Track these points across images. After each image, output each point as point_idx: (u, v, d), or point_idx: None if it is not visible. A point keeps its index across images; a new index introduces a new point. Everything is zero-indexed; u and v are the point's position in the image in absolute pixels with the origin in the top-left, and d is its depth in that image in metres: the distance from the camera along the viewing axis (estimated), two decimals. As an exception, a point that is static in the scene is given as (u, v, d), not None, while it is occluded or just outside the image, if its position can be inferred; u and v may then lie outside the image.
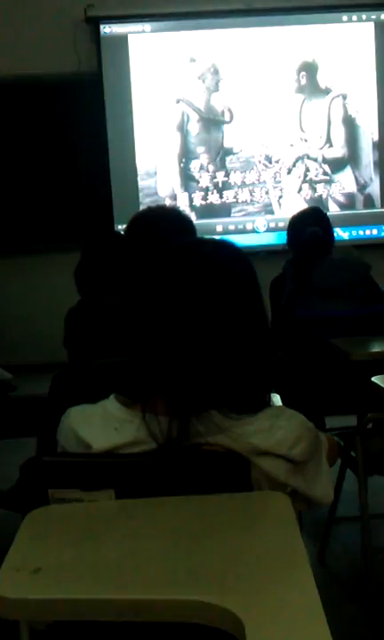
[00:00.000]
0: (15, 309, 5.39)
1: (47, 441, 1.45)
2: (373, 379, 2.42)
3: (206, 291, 1.28)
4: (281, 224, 5.43)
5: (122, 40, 5.42)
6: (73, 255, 2.47)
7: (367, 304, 3.05)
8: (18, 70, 5.23)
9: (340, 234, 5.58)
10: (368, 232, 5.82)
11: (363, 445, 2.63)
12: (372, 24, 5.78)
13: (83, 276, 2.32)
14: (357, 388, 2.68)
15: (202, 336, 1.25)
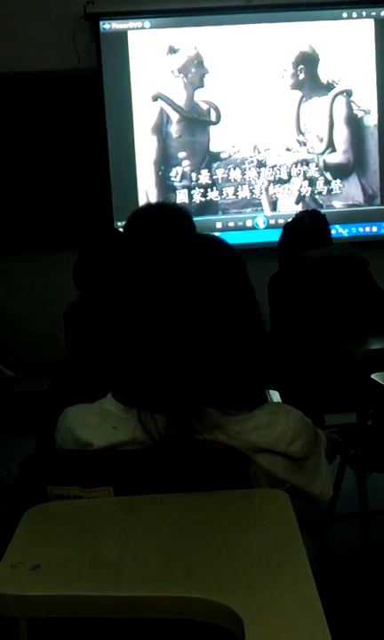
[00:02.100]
0: (15, 306, 5.38)
1: (46, 437, 1.45)
2: (373, 376, 2.42)
3: (198, 288, 1.28)
4: (281, 221, 5.40)
5: (121, 36, 5.40)
6: (72, 252, 2.47)
7: (365, 300, 3.05)
8: (17, 67, 5.21)
9: (340, 231, 5.57)
10: (368, 229, 5.80)
11: (362, 442, 2.63)
12: (372, 21, 5.59)
13: (81, 272, 2.32)
14: (357, 385, 2.68)
15: (195, 333, 1.25)
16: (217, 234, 5.47)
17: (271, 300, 3.19)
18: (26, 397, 2.99)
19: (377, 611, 2.41)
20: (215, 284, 1.29)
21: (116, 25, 5.38)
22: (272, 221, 5.61)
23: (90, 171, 5.37)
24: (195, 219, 2.27)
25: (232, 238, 5.49)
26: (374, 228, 5.75)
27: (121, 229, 2.44)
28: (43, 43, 5.25)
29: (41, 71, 5.26)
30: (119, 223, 5.18)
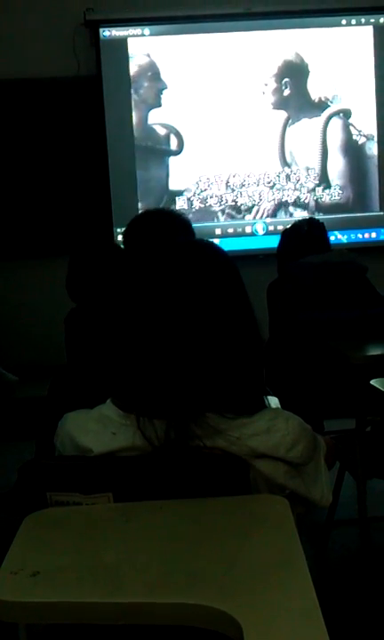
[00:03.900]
0: (16, 313, 5.39)
1: (46, 443, 1.45)
2: (372, 382, 2.42)
3: (193, 293, 1.28)
4: (280, 227, 5.38)
5: (121, 43, 5.42)
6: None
7: (364, 306, 3.06)
8: (17, 74, 5.23)
9: (339, 237, 5.57)
10: (367, 235, 5.80)
11: (361, 448, 2.64)
12: (370, 28, 5.13)
13: (74, 284, 2.31)
14: (356, 391, 2.68)
15: (192, 338, 1.26)
16: (216, 240, 5.48)
17: (270, 306, 3.20)
18: (26, 403, 2.99)
19: (377, 617, 2.41)
20: (210, 290, 1.30)
21: (116, 32, 5.40)
22: (271, 228, 5.60)
23: (90, 177, 5.38)
24: (194, 225, 2.28)
25: (231, 244, 5.49)
26: (373, 234, 5.75)
27: (120, 236, 2.44)
28: (43, 49, 5.27)
29: (41, 78, 5.28)
30: (118, 230, 5.19)
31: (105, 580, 1.02)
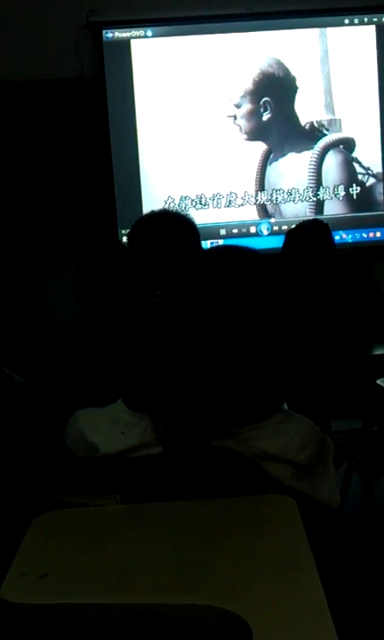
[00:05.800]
0: (22, 316, 5.40)
1: (53, 445, 1.45)
2: (378, 381, 2.42)
3: (214, 301, 1.27)
4: (285, 227, 5.36)
5: (124, 45, 5.43)
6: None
7: (369, 305, 3.06)
8: (20, 76, 5.25)
9: (343, 237, 5.56)
10: (371, 235, 5.79)
11: (368, 448, 2.63)
12: (373, 27, 4.83)
13: (80, 285, 2.31)
14: (363, 391, 2.67)
15: (211, 346, 1.25)
16: (220, 240, 5.48)
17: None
18: (33, 405, 3.00)
19: (385, 617, 2.40)
20: (237, 299, 1.26)
21: (119, 34, 5.41)
22: (276, 228, 5.59)
23: (93, 179, 5.39)
24: (198, 226, 2.27)
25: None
26: (378, 234, 5.74)
27: (125, 237, 2.44)
28: (46, 51, 5.29)
29: (44, 80, 5.30)
30: (123, 231, 5.19)
31: (113, 581, 1.03)
